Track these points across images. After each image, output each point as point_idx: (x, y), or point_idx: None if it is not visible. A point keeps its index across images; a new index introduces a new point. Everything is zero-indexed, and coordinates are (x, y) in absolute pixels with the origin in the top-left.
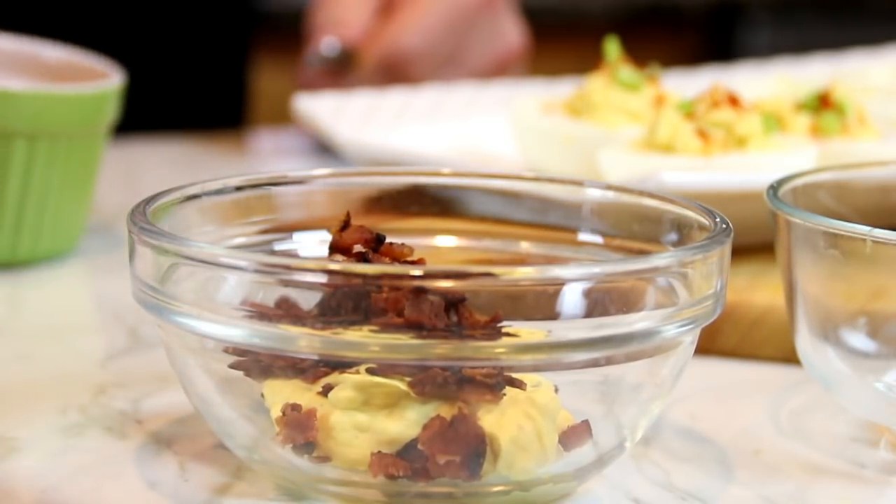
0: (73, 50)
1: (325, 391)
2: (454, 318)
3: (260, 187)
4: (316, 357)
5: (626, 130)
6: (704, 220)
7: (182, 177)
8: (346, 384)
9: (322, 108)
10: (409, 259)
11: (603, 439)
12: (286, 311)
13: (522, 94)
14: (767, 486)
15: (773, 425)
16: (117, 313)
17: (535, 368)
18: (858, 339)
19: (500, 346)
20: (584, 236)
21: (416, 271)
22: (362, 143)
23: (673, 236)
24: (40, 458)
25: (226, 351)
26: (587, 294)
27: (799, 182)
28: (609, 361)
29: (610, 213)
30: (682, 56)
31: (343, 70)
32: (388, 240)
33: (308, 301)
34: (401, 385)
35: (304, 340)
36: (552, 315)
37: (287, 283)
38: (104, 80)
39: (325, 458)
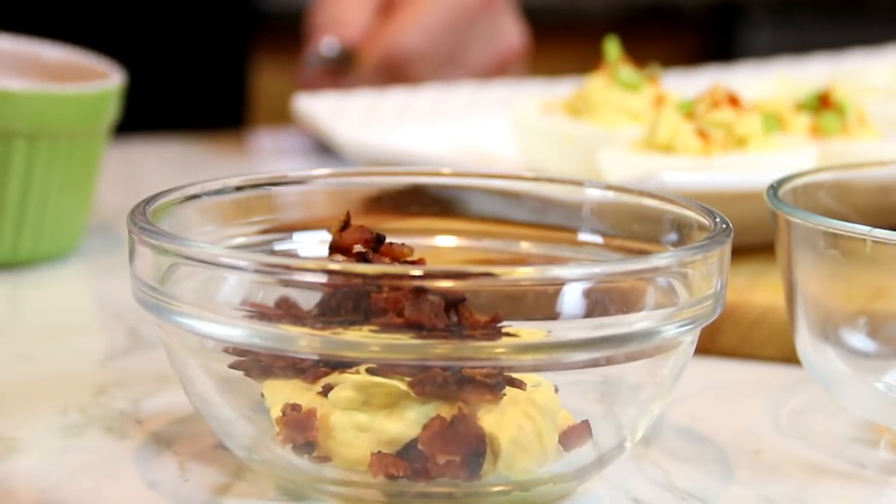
0: (73, 50)
1: (325, 391)
2: (454, 318)
3: (260, 187)
4: (316, 357)
5: (626, 130)
6: (704, 220)
7: (182, 177)
8: (346, 384)
9: (322, 108)
10: (409, 259)
11: (603, 439)
12: (286, 311)
13: (522, 94)
14: (767, 486)
15: (773, 425)
16: (117, 313)
17: (535, 368)
18: (858, 339)
19: (500, 346)
20: (584, 236)
21: (416, 271)
22: (362, 143)
23: (673, 236)
24: (40, 458)
25: (226, 351)
26: (587, 294)
27: (799, 182)
28: (609, 361)
29: (610, 213)
30: (682, 56)
31: (343, 70)
32: (388, 240)
33: (308, 301)
34: (401, 385)
35: (304, 340)
36: (552, 315)
37: (287, 283)
38: (104, 80)
39: (325, 458)
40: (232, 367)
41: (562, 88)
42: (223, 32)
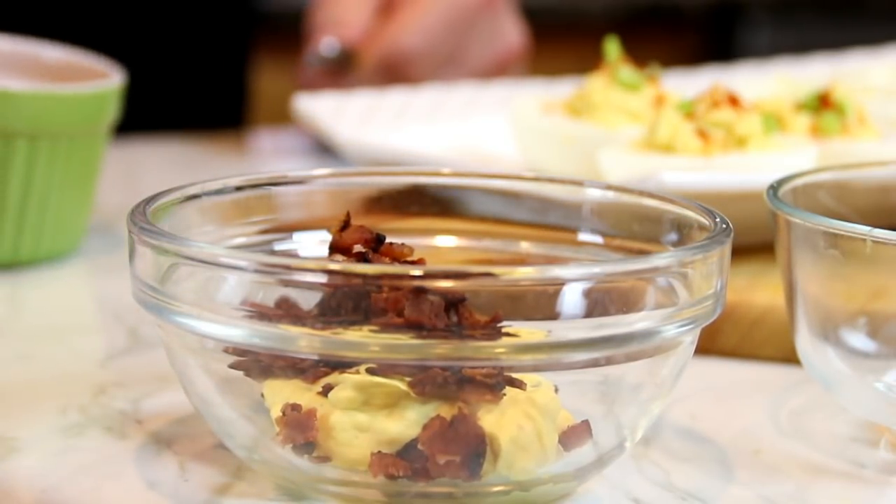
0: (73, 50)
1: (325, 391)
2: (454, 318)
3: (260, 187)
4: (316, 357)
5: (626, 130)
6: (704, 220)
7: (182, 177)
8: (346, 384)
9: (322, 108)
10: (409, 259)
11: (603, 439)
12: (286, 311)
13: (522, 94)
14: (767, 486)
15: (773, 425)
16: (117, 313)
17: (535, 368)
18: (858, 339)
19: (500, 346)
20: (584, 236)
21: (416, 271)
22: (362, 143)
23: (673, 236)
24: (40, 458)
25: (226, 351)
26: (587, 294)
27: (799, 182)
28: (609, 361)
29: (610, 213)
30: (682, 56)
31: (343, 70)
32: (388, 240)
33: (308, 301)
34: (401, 385)
35: (304, 340)
36: (552, 315)
37: (287, 283)
38: (104, 80)
39: (325, 458)
40: (232, 367)
41: (562, 88)
42: (223, 32)
